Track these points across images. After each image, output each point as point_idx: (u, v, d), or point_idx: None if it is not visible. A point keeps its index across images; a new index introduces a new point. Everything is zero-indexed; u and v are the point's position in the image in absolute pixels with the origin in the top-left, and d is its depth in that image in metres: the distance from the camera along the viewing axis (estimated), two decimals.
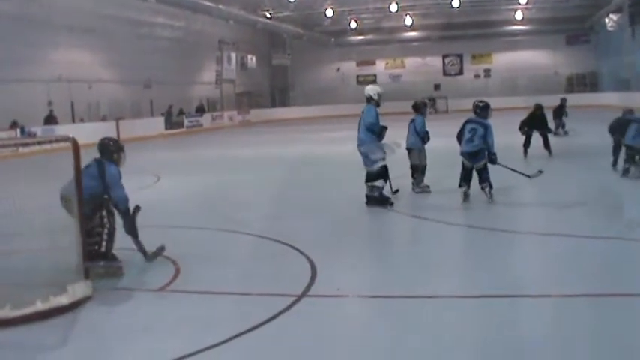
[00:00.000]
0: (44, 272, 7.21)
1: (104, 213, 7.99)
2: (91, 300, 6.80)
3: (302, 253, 8.32)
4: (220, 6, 40.38)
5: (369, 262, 8.46)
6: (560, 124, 23.81)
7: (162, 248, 8.27)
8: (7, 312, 6.32)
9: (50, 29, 32.47)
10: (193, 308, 6.70)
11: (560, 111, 24.32)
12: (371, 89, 11.97)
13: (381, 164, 11.51)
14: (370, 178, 11.63)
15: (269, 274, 7.77)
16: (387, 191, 11.75)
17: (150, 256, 8.18)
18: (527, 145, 18.28)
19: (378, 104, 11.76)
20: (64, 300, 6.54)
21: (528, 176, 12.36)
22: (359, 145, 11.73)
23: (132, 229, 8.07)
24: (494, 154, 11.48)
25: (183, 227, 10.38)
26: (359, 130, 11.68)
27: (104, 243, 7.92)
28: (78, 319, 6.41)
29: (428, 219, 10.65)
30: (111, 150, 8.38)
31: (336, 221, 10.87)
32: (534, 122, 18.31)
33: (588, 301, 6.42)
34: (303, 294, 6.80)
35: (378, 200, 11.55)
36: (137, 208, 8.13)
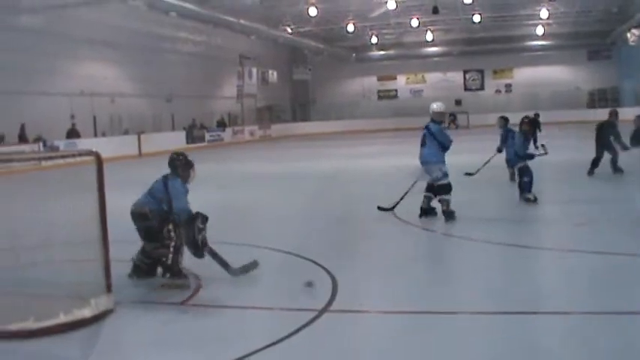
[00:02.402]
0: (67, 285, 7.24)
1: (171, 227, 8.02)
2: (113, 313, 6.82)
3: (324, 268, 8.30)
4: (242, 21, 40.53)
5: (392, 278, 8.41)
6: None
7: (254, 264, 8.24)
8: (31, 324, 6.34)
9: (73, 43, 32.76)
10: (215, 323, 6.69)
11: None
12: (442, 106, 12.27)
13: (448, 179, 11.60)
14: (438, 190, 11.63)
15: (291, 289, 7.75)
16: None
17: (236, 271, 8.09)
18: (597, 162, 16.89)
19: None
20: (86, 313, 6.57)
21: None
22: (425, 162, 11.78)
23: (193, 242, 7.95)
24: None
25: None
26: (424, 146, 11.76)
27: (170, 256, 7.95)
28: (100, 332, 6.43)
29: (452, 235, 10.58)
30: (176, 165, 8.48)
31: (358, 236, 10.84)
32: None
33: (609, 319, 6.36)
34: (325, 309, 6.77)
35: (446, 213, 11.53)
36: (204, 220, 8.08)
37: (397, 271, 8.77)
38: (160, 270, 8.15)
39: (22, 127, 29.72)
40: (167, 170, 8.33)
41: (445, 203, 11.51)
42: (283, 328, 6.18)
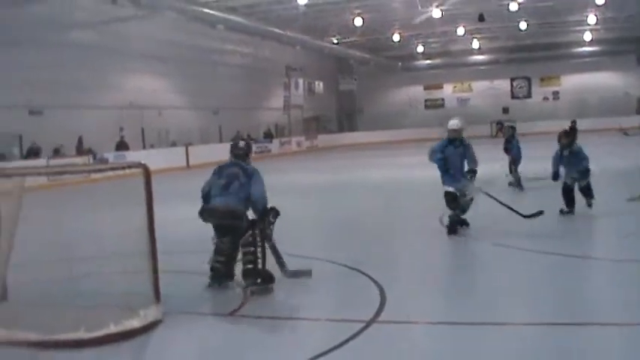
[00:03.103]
0: (117, 295, 7.32)
1: (256, 232, 8.07)
2: (161, 324, 6.87)
3: (371, 278, 8.26)
4: (288, 32, 40.70)
5: (440, 289, 8.36)
6: None
7: (308, 272, 8.34)
8: (82, 334, 6.42)
9: (122, 56, 33.22)
10: (262, 334, 6.71)
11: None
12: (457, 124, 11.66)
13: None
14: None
15: (338, 299, 7.75)
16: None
17: (289, 272, 8.19)
18: None
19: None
20: (135, 323, 6.63)
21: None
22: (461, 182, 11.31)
23: (267, 234, 8.09)
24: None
25: None
26: (461, 164, 11.40)
27: (259, 261, 8.02)
28: (148, 342, 6.51)
29: (501, 245, 10.43)
30: (247, 152, 8.73)
31: (406, 247, 10.78)
32: None
33: None
34: (373, 320, 6.74)
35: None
36: (276, 213, 8.21)
37: (445, 281, 8.72)
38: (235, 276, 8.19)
39: (80, 140, 30.37)
40: None
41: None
42: (331, 339, 6.18)
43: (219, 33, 37.29)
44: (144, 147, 34.31)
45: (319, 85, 54.51)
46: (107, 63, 32.07)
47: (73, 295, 7.93)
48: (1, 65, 27.09)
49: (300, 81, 51.11)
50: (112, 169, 8.07)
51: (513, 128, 18.19)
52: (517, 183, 16.94)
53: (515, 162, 17.20)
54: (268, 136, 46.70)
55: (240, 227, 8.08)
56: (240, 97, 43.74)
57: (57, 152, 28.70)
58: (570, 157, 12.52)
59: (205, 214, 8.24)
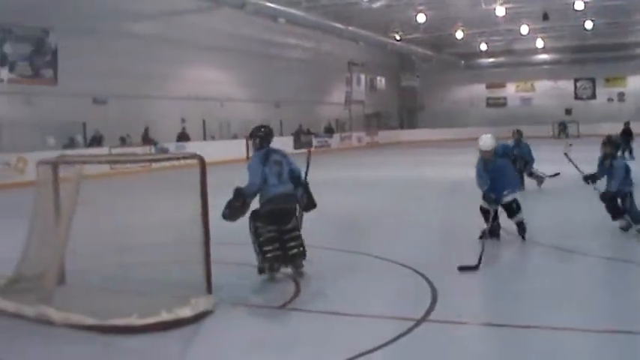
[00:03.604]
0: (170, 284, 7.42)
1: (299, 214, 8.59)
2: (212, 314, 6.92)
3: (424, 277, 8.20)
4: (350, 27, 40.65)
5: (494, 290, 8.25)
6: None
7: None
8: (134, 320, 6.53)
9: (185, 48, 33.58)
10: (312, 328, 6.71)
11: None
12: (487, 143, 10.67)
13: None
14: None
15: (390, 296, 7.71)
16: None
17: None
18: None
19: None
20: (187, 312, 6.69)
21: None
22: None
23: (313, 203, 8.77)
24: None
25: (309, 246, 10.40)
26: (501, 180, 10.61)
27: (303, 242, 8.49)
28: (199, 331, 6.56)
29: (560, 248, 10.21)
30: (272, 135, 9.08)
31: (461, 246, 10.62)
32: None
33: None
34: (423, 318, 6.69)
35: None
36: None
37: (499, 283, 8.58)
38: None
39: (146, 130, 30.91)
40: None
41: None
42: (381, 335, 6.14)
43: (281, 26, 37.40)
44: (204, 138, 34.66)
45: (381, 81, 54.42)
46: (170, 54, 32.44)
47: (126, 281, 8.03)
48: (67, 54, 27.68)
49: (362, 76, 51.10)
50: (168, 159, 8.22)
51: (520, 132, 18.24)
52: (539, 180, 17.70)
53: (526, 164, 17.43)
54: (329, 130, 46.77)
55: (294, 210, 8.55)
56: (302, 91, 43.87)
57: (123, 141, 29.20)
58: (611, 170, 10.98)
59: (272, 204, 8.32)
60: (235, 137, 36.92)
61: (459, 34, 46.31)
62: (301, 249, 8.39)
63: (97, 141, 28.67)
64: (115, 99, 30.06)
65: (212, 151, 30.15)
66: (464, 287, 8.03)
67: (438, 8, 39.27)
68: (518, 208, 10.65)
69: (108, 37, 29.02)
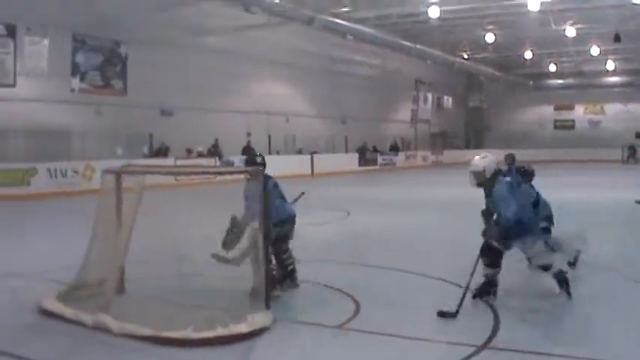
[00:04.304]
0: (227, 299, 7.40)
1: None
2: (269, 331, 6.83)
3: (487, 303, 7.97)
4: (418, 45, 40.50)
5: (561, 318, 7.92)
6: None
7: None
8: (189, 333, 6.50)
9: (252, 62, 33.95)
10: (368, 349, 6.53)
11: None
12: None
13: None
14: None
15: (452, 321, 7.50)
16: None
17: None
18: None
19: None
20: (243, 328, 6.63)
21: None
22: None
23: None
24: None
25: (367, 265, 10.29)
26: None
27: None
28: (254, 348, 6.47)
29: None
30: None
31: (522, 272, 10.27)
32: None
33: None
34: (485, 345, 6.47)
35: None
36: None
37: (567, 311, 8.24)
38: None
39: (216, 142, 31.20)
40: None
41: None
42: None
43: (348, 43, 37.46)
44: (269, 152, 34.80)
45: (448, 101, 54.14)
46: (238, 68, 32.80)
47: (183, 293, 8.06)
48: (136, 65, 28.12)
49: (429, 95, 50.91)
50: (229, 172, 8.20)
51: (512, 156, 17.26)
52: None
53: None
54: (394, 148, 46.64)
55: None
56: (368, 107, 43.93)
57: (189, 153, 29.48)
58: None
59: (291, 222, 8.48)
60: (300, 152, 37.08)
61: (528, 55, 45.81)
62: (293, 266, 8.61)
63: (162, 152, 29.01)
64: (182, 111, 30.45)
65: (276, 165, 30.44)
66: (529, 313, 7.71)
67: (507, 28, 38.84)
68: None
69: (177, 50, 29.45)
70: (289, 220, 8.44)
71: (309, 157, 36.36)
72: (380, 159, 43.31)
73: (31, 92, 25.27)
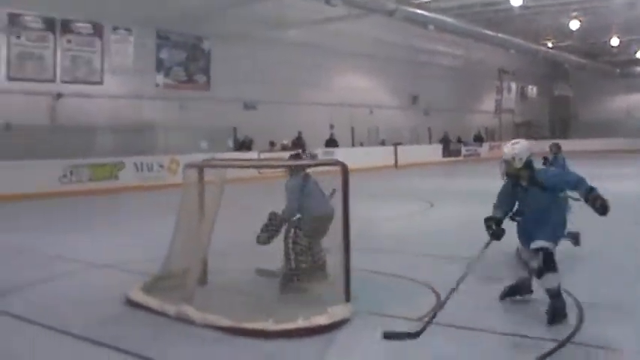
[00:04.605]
0: (308, 290, 7.54)
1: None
2: (348, 323, 6.84)
3: (570, 294, 7.78)
4: (501, 34, 39.90)
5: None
6: None
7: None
8: (270, 324, 6.57)
9: (334, 55, 34.01)
10: (449, 343, 6.44)
11: None
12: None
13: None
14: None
15: (534, 315, 7.34)
16: None
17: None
18: None
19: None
20: (323, 320, 6.65)
21: None
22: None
23: None
24: None
25: (448, 257, 10.18)
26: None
27: None
28: (334, 340, 6.48)
29: None
30: None
31: (612, 269, 9.90)
32: None
33: None
34: (568, 340, 6.32)
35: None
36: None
37: None
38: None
39: (299, 135, 31.47)
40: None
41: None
42: (521, 356, 5.97)
43: (430, 33, 37.15)
44: (353, 145, 34.91)
45: (532, 90, 53.27)
46: (319, 61, 32.91)
47: (264, 285, 8.26)
48: (219, 60, 28.53)
49: (513, 84, 50.19)
50: (309, 165, 8.26)
51: (557, 145, 16.57)
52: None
53: None
54: (478, 139, 46.14)
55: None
56: (451, 98, 43.58)
57: (272, 145, 29.73)
58: None
59: (327, 219, 8.30)
60: (383, 144, 37.03)
61: (615, 41, 44.68)
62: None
63: (246, 145, 29.32)
64: (265, 104, 30.70)
65: (360, 157, 30.56)
66: (616, 310, 7.43)
67: (592, 14, 37.86)
68: (550, 267, 7.04)
69: (259, 44, 29.73)
70: (325, 217, 8.33)
71: (393, 148, 36.28)
72: (464, 150, 42.96)
73: (117, 89, 25.94)
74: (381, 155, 34.82)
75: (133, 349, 6.22)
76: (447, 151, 41.12)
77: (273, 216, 8.38)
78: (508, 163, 7.39)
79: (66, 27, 24.69)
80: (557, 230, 7.27)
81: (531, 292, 7.62)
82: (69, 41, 24.78)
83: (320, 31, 32.79)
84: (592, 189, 7.03)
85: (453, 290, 6.82)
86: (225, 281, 8.43)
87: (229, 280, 8.49)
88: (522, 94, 52.19)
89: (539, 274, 7.00)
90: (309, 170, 8.47)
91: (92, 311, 7.64)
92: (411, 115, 40.86)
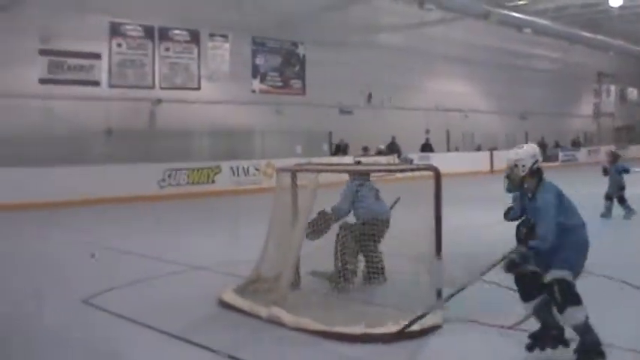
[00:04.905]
0: (399, 296, 7.52)
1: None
2: (440, 329, 6.82)
3: None
4: (599, 36, 39.01)
5: None
6: None
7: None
8: (362, 328, 6.60)
9: (428, 59, 33.86)
10: (540, 352, 6.33)
11: None
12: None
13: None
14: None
15: (631, 325, 7.13)
16: None
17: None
18: None
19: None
20: (414, 326, 6.64)
21: None
22: None
23: None
24: None
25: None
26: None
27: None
28: (424, 345, 6.49)
29: None
30: None
31: None
32: None
33: None
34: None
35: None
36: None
37: None
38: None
39: (393, 139, 31.43)
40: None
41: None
42: None
43: (526, 37, 36.62)
44: (448, 149, 34.69)
45: (632, 93, 51.84)
46: (414, 65, 32.79)
47: (354, 290, 8.34)
48: (314, 65, 28.75)
49: (612, 87, 49.01)
50: (403, 170, 8.29)
51: (615, 154, 16.06)
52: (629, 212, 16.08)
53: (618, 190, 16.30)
54: (576, 144, 45.17)
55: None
56: (547, 102, 42.78)
57: (366, 150, 29.76)
58: None
59: (380, 223, 8.76)
60: (479, 149, 36.64)
61: None
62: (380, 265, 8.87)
63: (342, 150, 29.45)
64: (360, 109, 30.81)
65: (455, 162, 30.35)
66: None
67: None
68: (570, 299, 5.93)
69: (353, 49, 29.83)
70: (378, 222, 8.63)
71: (489, 153, 35.85)
72: (561, 155, 42.09)
73: (214, 94, 26.42)
74: (477, 160, 34.47)
75: (225, 350, 6.32)
76: (544, 156, 40.33)
77: (321, 214, 8.56)
78: (511, 171, 6.47)
79: (164, 34, 25.32)
80: (573, 254, 6.13)
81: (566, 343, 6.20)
82: (167, 49, 25.40)
83: (414, 36, 32.73)
84: (532, 248, 6.03)
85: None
86: (318, 285, 8.54)
87: (322, 285, 8.58)
88: (622, 97, 50.89)
89: (561, 309, 5.88)
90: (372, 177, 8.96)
91: (188, 312, 7.83)
92: (506, 120, 40.32)
